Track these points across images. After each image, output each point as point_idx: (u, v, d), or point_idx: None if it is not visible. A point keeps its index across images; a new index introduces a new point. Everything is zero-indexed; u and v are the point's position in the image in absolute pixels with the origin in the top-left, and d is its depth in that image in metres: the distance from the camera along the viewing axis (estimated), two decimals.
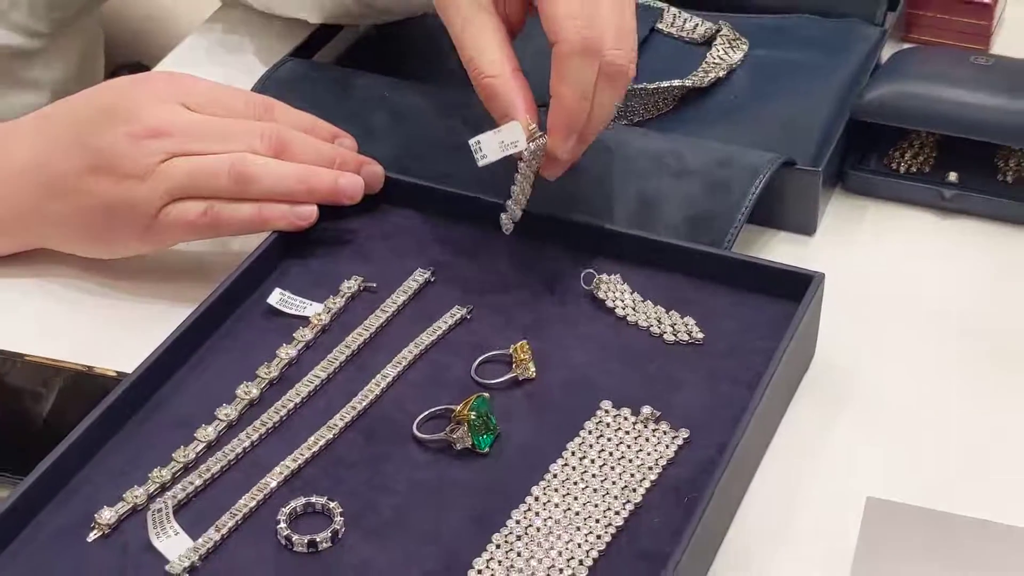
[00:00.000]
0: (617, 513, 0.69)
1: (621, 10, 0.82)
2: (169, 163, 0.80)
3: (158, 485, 0.70)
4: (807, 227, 0.90)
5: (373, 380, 0.77)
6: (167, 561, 0.66)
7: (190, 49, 1.16)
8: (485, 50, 0.82)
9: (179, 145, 0.81)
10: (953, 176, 0.91)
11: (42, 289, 0.88)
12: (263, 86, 0.98)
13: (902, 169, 0.93)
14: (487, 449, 0.73)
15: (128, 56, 1.38)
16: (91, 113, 0.83)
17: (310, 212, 0.82)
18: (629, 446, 0.73)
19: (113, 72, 1.30)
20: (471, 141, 0.81)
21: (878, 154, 0.94)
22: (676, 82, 0.96)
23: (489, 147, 0.79)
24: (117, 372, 0.76)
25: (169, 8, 1.48)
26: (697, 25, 1.01)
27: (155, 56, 1.19)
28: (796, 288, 0.79)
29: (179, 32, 1.32)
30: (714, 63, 0.99)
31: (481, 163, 0.80)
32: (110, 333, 0.83)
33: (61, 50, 1.15)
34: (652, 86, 0.95)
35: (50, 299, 0.86)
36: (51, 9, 1.11)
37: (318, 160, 0.83)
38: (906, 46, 1.03)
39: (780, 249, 0.89)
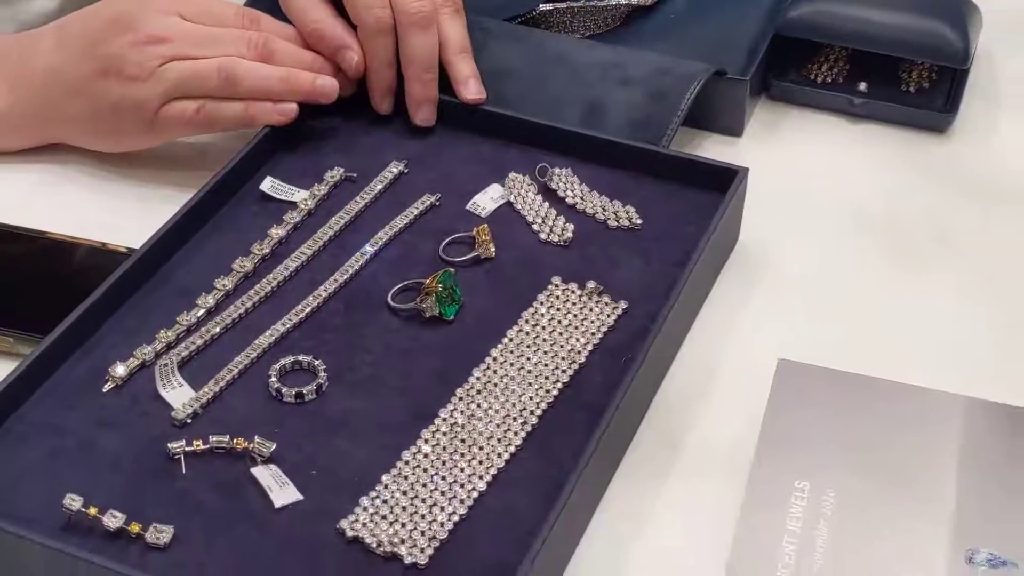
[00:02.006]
0: (564, 372, 0.70)
1: None
2: (167, 66, 0.81)
3: (164, 344, 0.71)
4: (735, 130, 0.90)
5: (352, 257, 0.77)
6: (172, 409, 0.67)
7: None
8: (310, 10, 0.87)
9: (175, 50, 0.81)
10: (862, 86, 0.91)
11: (63, 176, 0.87)
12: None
13: (818, 80, 0.93)
14: (452, 317, 0.74)
15: None
16: (99, 23, 0.84)
17: (291, 109, 0.83)
18: (575, 315, 0.74)
19: None
20: None
21: (798, 66, 0.94)
22: (623, 1, 0.95)
23: None
24: (127, 248, 0.76)
25: None
26: None
27: None
28: (723, 181, 0.80)
29: None
30: None
31: None
32: (122, 215, 0.83)
33: None
34: (602, 4, 0.94)
35: (69, 185, 0.86)
36: None
37: (298, 64, 0.84)
38: None
39: (711, 148, 0.89)
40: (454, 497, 0.63)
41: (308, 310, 0.74)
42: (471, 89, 0.87)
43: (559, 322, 0.73)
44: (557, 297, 0.75)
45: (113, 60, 0.82)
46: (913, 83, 0.92)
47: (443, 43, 0.89)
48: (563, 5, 0.94)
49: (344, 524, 0.62)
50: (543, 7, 0.94)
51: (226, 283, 0.75)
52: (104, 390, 0.69)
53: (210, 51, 0.83)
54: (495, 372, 0.70)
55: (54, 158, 0.89)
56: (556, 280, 0.76)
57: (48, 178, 0.87)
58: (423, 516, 0.63)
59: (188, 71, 0.82)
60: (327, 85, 0.84)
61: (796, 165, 0.89)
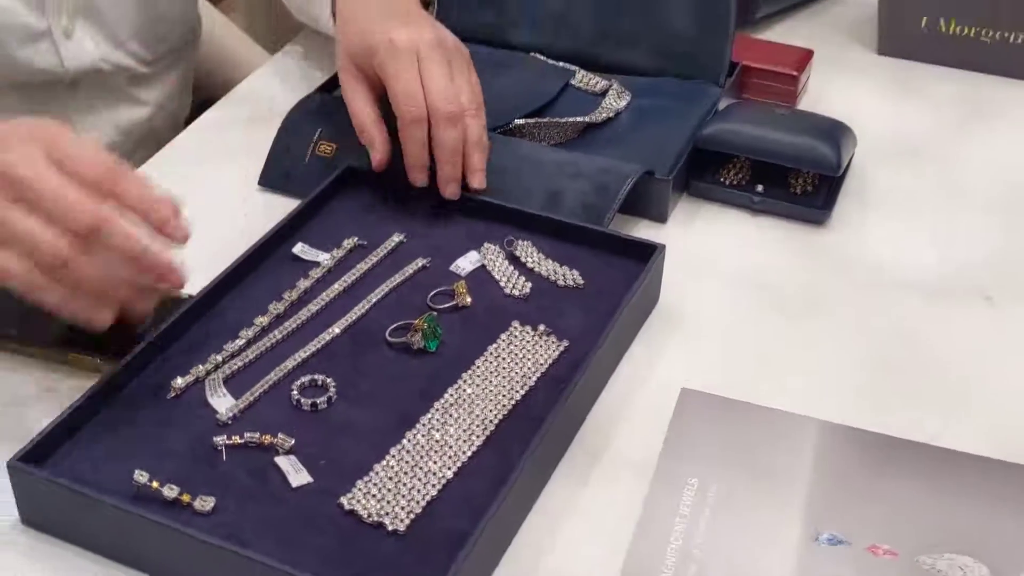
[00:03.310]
0: (517, 392, 0.72)
1: (448, 76, 0.84)
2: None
3: (213, 364, 0.73)
4: (661, 217, 0.90)
5: (359, 304, 0.78)
6: (217, 413, 0.70)
7: (269, 71, 1.09)
8: (358, 104, 0.86)
9: (11, 195, 0.64)
10: (760, 188, 0.92)
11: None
12: (291, 115, 0.94)
13: (727, 182, 0.93)
14: (434, 349, 0.75)
15: (216, 82, 1.25)
16: None
17: (104, 320, 0.67)
18: (528, 350, 0.75)
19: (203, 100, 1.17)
20: None
21: (711, 171, 0.94)
22: (580, 119, 0.96)
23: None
24: (189, 294, 0.77)
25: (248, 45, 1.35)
26: (597, 82, 1.01)
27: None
28: (646, 254, 0.81)
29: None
30: (606, 107, 0.98)
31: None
32: (189, 264, 0.79)
33: (163, 75, 1.11)
34: (562, 121, 0.95)
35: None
36: (158, 41, 1.08)
37: (106, 280, 0.66)
38: (736, 101, 1.03)
39: (642, 230, 0.89)
40: (428, 482, 0.65)
41: (323, 342, 0.75)
42: (476, 180, 0.85)
43: (515, 355, 0.75)
44: (515, 336, 0.76)
45: None
46: (799, 186, 0.92)
47: (465, 137, 0.84)
48: (533, 121, 0.95)
49: (343, 500, 0.64)
50: (518, 121, 0.95)
51: (262, 320, 0.76)
52: (167, 397, 0.71)
53: (38, 219, 0.63)
54: (464, 391, 0.72)
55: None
56: (515, 324, 0.77)
57: None
58: (403, 495, 0.65)
59: (10, 234, 0.64)
60: (104, 321, 0.67)
61: (707, 246, 0.89)
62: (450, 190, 0.85)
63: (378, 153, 0.86)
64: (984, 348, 0.81)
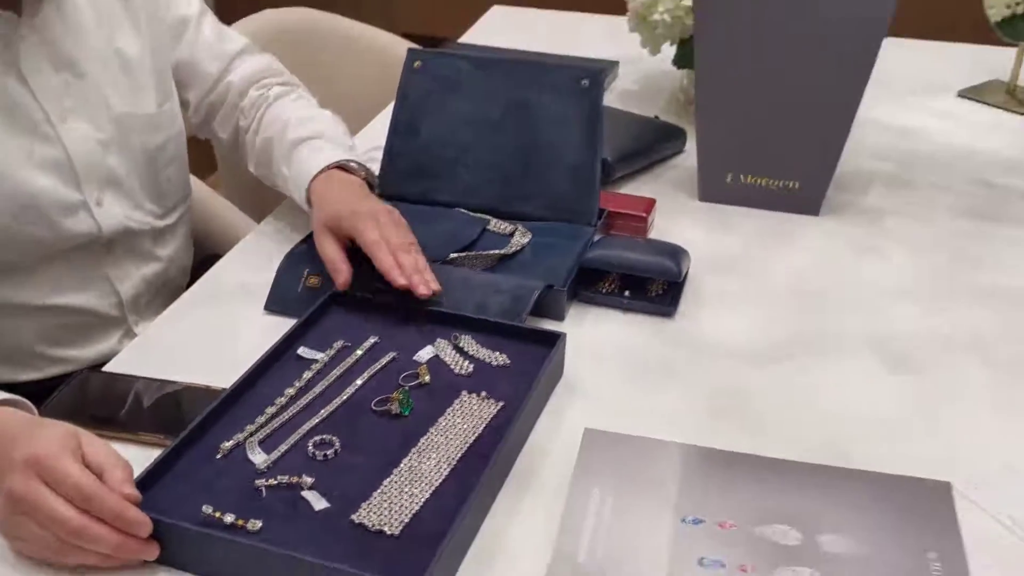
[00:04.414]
0: (470, 437, 0.78)
1: (403, 233, 0.93)
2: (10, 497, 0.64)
3: (249, 432, 0.78)
4: (560, 316, 0.95)
5: (349, 387, 0.83)
6: (256, 464, 0.75)
7: (259, 232, 1.10)
8: (328, 250, 0.93)
9: (22, 510, 0.64)
10: (627, 293, 0.97)
11: (186, 349, 0.91)
12: (285, 259, 0.98)
13: (604, 290, 0.97)
14: (408, 414, 0.80)
15: (212, 242, 1.28)
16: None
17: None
18: (474, 410, 0.81)
19: (202, 260, 1.19)
20: None
21: (593, 283, 0.98)
22: (497, 252, 1.00)
23: None
24: (222, 388, 0.81)
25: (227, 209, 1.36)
26: (506, 227, 1.05)
27: (227, 248, 1.10)
28: (553, 341, 0.86)
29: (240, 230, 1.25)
30: (515, 243, 1.03)
31: None
32: (217, 370, 0.86)
33: (173, 231, 1.12)
34: (485, 253, 1.00)
35: (190, 352, 0.91)
36: (166, 200, 1.09)
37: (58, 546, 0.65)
38: (605, 235, 1.05)
39: (547, 326, 0.93)
40: (412, 501, 0.72)
41: (327, 413, 0.81)
42: (432, 283, 0.90)
43: (466, 414, 0.80)
44: (465, 402, 0.82)
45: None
46: (654, 291, 0.97)
47: (416, 260, 0.89)
48: (463, 254, 1.00)
49: (354, 516, 0.70)
50: (453, 255, 0.99)
51: (281, 401, 0.82)
52: (217, 457, 0.76)
53: (38, 519, 0.64)
54: (432, 439, 0.77)
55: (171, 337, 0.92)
56: (464, 393, 0.82)
57: (170, 357, 0.91)
58: (396, 511, 0.71)
59: (17, 521, 0.65)
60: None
61: (593, 335, 0.93)
62: (421, 289, 0.89)
63: (341, 276, 0.93)
64: (791, 392, 0.88)
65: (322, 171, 0.99)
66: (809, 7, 1.09)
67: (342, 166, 1.01)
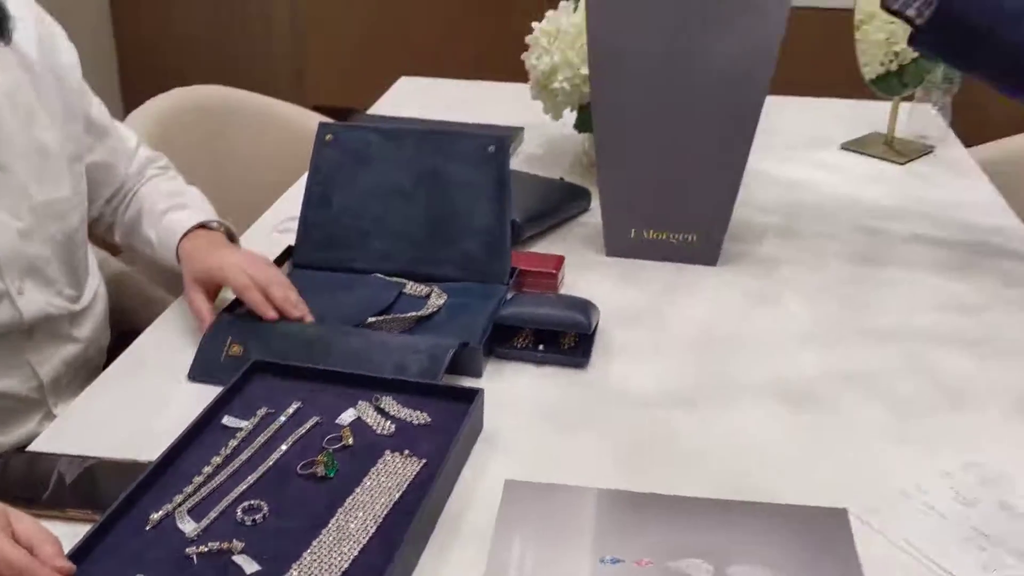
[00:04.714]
0: (395, 494, 0.80)
1: (270, 272, 1.02)
2: None
3: (177, 503, 0.79)
4: (477, 373, 0.98)
5: (274, 452, 0.85)
6: (184, 533, 0.76)
7: (175, 307, 1.10)
8: (197, 303, 1.02)
9: None
10: (541, 347, 1.01)
11: (110, 418, 0.92)
12: (209, 329, 0.99)
13: (518, 345, 1.01)
14: (332, 475, 0.82)
15: (127, 319, 1.27)
16: None
17: None
18: (398, 468, 0.83)
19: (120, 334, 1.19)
20: None
21: (508, 339, 1.01)
22: (412, 314, 1.04)
23: None
24: (148, 461, 0.82)
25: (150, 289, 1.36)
26: (422, 289, 1.09)
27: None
28: (471, 397, 0.88)
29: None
30: (431, 305, 1.06)
31: None
32: (140, 444, 0.87)
33: (89, 312, 1.13)
34: (402, 316, 1.03)
35: (112, 428, 0.91)
36: (79, 280, 1.10)
37: None
38: (517, 293, 1.09)
39: (465, 383, 0.96)
40: (341, 560, 0.74)
41: (255, 479, 0.82)
42: (301, 311, 1.00)
43: (390, 472, 0.82)
44: (388, 460, 0.84)
45: None
46: (566, 343, 1.01)
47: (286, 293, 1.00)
48: (380, 318, 1.03)
49: None
50: (371, 319, 1.02)
51: (208, 469, 0.83)
52: (146, 529, 0.77)
53: None
54: (359, 498, 0.80)
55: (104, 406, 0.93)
56: (387, 452, 0.84)
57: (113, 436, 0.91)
58: (325, 571, 0.73)
59: None
60: None
61: (510, 389, 0.95)
62: (293, 312, 1.01)
63: (205, 323, 1.02)
64: (700, 434, 0.93)
65: (189, 231, 1.10)
66: (695, 73, 1.17)
67: (205, 225, 1.11)
